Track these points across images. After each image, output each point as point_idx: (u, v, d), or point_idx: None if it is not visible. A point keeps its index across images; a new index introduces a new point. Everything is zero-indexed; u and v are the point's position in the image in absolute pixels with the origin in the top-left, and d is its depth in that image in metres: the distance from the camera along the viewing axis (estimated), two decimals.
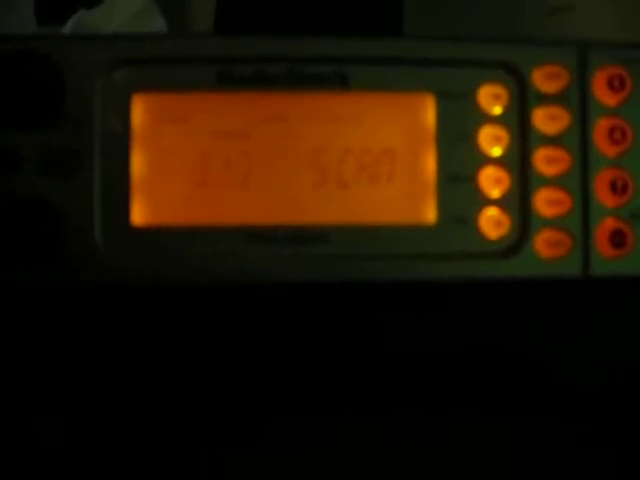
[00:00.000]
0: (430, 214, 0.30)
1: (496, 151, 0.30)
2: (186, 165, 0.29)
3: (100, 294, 0.29)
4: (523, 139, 0.30)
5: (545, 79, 0.30)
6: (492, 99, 0.30)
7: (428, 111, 0.30)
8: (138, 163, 0.29)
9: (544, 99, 0.30)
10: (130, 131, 0.29)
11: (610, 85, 0.30)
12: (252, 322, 0.31)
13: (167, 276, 0.29)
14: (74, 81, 0.29)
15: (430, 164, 0.30)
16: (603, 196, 0.30)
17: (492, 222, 0.30)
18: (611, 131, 0.30)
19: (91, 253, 0.28)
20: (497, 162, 0.30)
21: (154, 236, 0.29)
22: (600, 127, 0.30)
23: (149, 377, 0.31)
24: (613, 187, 0.30)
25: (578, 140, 0.30)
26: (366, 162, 0.30)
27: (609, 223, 0.30)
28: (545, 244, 0.30)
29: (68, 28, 0.56)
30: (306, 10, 0.48)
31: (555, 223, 0.30)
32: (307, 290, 0.30)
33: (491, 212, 0.30)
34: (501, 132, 0.30)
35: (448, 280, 0.30)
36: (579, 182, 0.30)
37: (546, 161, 0.30)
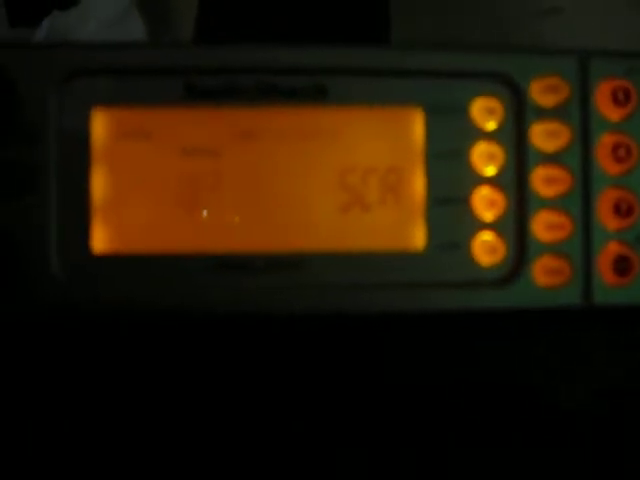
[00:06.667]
0: (418, 240, 0.28)
1: (490, 170, 0.28)
2: (151, 186, 0.27)
3: (56, 326, 0.27)
4: (520, 157, 0.28)
5: (544, 92, 0.28)
6: (486, 113, 0.28)
7: (416, 127, 0.28)
8: (98, 183, 0.27)
9: (542, 114, 0.28)
10: (89, 148, 0.27)
11: (614, 98, 0.28)
12: (222, 355, 0.29)
13: (130, 308, 0.27)
14: (28, 92, 0.26)
15: (418, 185, 0.28)
16: (606, 219, 0.28)
17: (486, 248, 0.28)
18: (615, 148, 0.28)
19: (47, 282, 0.26)
20: (491, 182, 0.28)
21: (116, 264, 0.27)
22: (603, 144, 0.28)
23: (112, 410, 0.29)
24: (617, 209, 0.28)
25: (579, 158, 0.28)
26: (348, 183, 0.27)
27: (612, 248, 0.28)
28: (543, 272, 0.28)
29: (42, 31, 0.54)
30: (290, 19, 0.46)
31: (554, 249, 0.28)
32: (284, 323, 0.28)
33: (485, 237, 0.28)
34: (496, 149, 0.28)
35: (438, 311, 0.28)
36: (580, 204, 0.28)
37: (545, 181, 0.28)
